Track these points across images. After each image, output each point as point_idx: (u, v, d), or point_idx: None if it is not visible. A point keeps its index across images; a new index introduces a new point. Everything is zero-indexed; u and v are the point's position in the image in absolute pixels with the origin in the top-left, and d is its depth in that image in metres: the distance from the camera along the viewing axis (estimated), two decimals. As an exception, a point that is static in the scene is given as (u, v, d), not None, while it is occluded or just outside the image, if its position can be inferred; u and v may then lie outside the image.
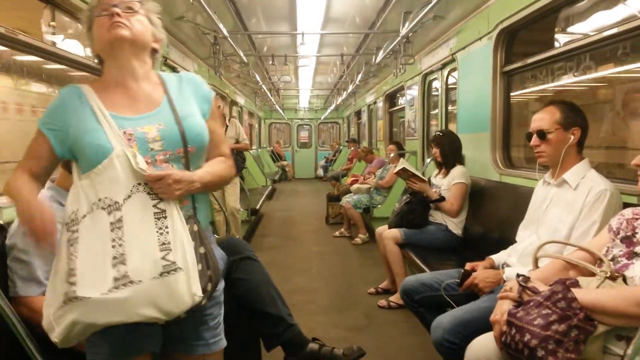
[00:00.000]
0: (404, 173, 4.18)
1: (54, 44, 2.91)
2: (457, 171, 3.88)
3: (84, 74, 3.36)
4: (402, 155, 6.49)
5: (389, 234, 4.03)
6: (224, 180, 1.66)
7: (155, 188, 1.40)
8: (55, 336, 1.37)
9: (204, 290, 1.43)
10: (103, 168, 1.39)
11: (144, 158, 1.42)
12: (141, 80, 1.55)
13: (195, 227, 1.48)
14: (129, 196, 1.39)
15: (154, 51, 1.61)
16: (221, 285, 1.65)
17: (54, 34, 2.97)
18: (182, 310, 1.38)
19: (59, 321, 1.35)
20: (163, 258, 1.35)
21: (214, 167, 1.59)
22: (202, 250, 1.47)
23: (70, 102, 1.50)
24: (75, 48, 3.18)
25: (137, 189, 1.39)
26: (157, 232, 1.38)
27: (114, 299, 1.30)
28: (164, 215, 1.41)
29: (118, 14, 1.46)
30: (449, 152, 3.99)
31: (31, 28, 2.74)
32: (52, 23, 2.91)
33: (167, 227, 1.40)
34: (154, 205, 1.40)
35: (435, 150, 4.08)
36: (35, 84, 4.17)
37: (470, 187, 3.87)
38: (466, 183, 3.82)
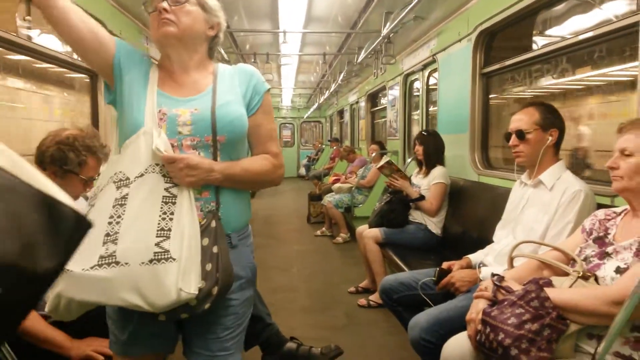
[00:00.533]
0: (387, 167, 4.19)
1: (29, 38, 2.86)
2: (437, 171, 3.91)
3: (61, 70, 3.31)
4: (383, 155, 6.52)
5: (369, 233, 4.04)
6: (260, 178, 1.56)
7: (170, 171, 1.36)
8: (46, 307, 1.35)
9: (207, 293, 1.34)
10: (130, 142, 1.39)
11: (170, 141, 1.39)
12: (192, 70, 1.52)
13: (214, 224, 1.40)
14: (142, 175, 1.36)
15: (213, 37, 1.57)
16: (241, 294, 1.54)
17: (29, 28, 2.91)
18: (165, 303, 1.29)
19: (51, 291, 1.31)
20: (157, 244, 1.29)
21: (249, 163, 1.52)
22: (215, 249, 1.38)
23: (142, 59, 1.54)
24: (52, 43, 3.13)
25: (154, 169, 1.37)
26: (160, 216, 1.33)
27: (94, 277, 1.26)
28: (173, 200, 1.35)
29: (165, 9, 1.42)
30: (432, 151, 4.01)
31: (7, 22, 2.69)
32: (28, 17, 2.85)
33: (172, 214, 1.34)
34: (166, 189, 1.36)
35: (418, 148, 4.08)
36: None
37: (449, 187, 3.90)
38: (446, 183, 3.86)
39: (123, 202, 1.32)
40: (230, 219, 1.49)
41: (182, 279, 1.29)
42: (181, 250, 1.31)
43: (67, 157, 1.92)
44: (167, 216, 1.33)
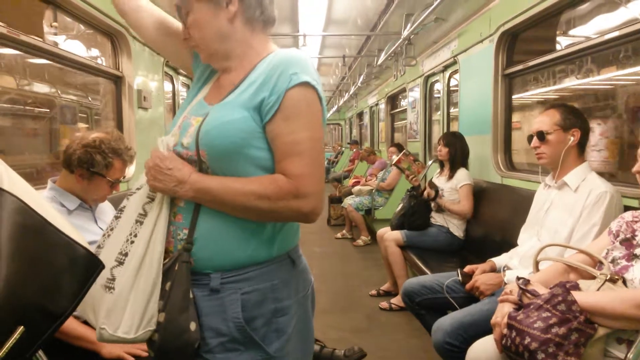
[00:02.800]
0: (404, 160, 4.17)
1: (55, 44, 2.92)
2: (461, 174, 3.87)
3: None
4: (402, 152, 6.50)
5: (390, 235, 4.03)
6: (257, 205, 1.14)
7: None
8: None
9: (150, 341, 1.17)
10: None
11: (174, 151, 1.22)
12: (235, 68, 1.27)
13: (177, 266, 1.15)
14: (141, 187, 1.24)
15: (243, 12, 1.23)
16: (225, 357, 1.17)
17: (56, 34, 2.98)
18: (96, 336, 1.17)
19: None
20: (111, 269, 1.16)
21: (241, 181, 1.15)
22: (172, 294, 1.14)
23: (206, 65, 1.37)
24: (77, 49, 3.20)
25: (147, 180, 1.22)
26: (126, 237, 1.18)
27: None
28: (142, 220, 1.19)
29: (185, 38, 1.28)
30: (459, 154, 3.96)
31: (33, 28, 2.75)
32: (54, 24, 2.91)
33: (135, 236, 1.17)
34: (143, 205, 1.20)
35: (443, 149, 4.01)
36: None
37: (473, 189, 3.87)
38: (472, 184, 3.83)
39: (119, 215, 1.24)
40: (212, 253, 1.17)
41: (109, 316, 1.14)
42: (124, 282, 1.15)
43: (94, 160, 1.96)
44: (131, 238, 1.17)
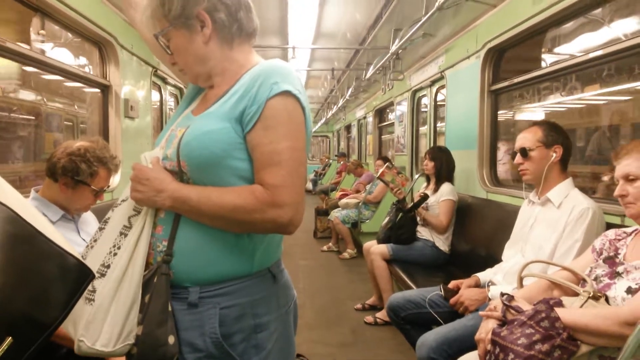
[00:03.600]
0: (388, 172, 4.19)
1: (42, 52, 2.90)
2: (445, 188, 3.90)
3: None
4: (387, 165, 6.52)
5: (376, 249, 4.03)
6: (233, 216, 1.12)
7: None
8: None
9: (129, 354, 1.15)
10: None
11: (161, 163, 1.22)
12: (219, 85, 1.27)
13: (155, 278, 1.15)
14: (127, 198, 1.23)
15: (217, 33, 1.23)
16: None
17: (43, 42, 2.96)
18: (75, 348, 1.15)
19: None
20: (92, 281, 1.15)
21: (219, 191, 1.13)
22: (151, 307, 1.13)
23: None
24: (65, 57, 3.18)
25: None
26: (109, 249, 1.18)
27: None
28: (126, 232, 1.18)
29: (173, 63, 1.30)
30: (445, 168, 4.01)
31: (19, 35, 2.73)
32: (42, 31, 2.90)
33: (118, 248, 1.17)
34: (129, 217, 1.20)
35: (429, 163, 4.07)
36: None
37: (457, 204, 3.89)
38: (454, 200, 3.85)
39: (102, 227, 1.23)
40: (191, 267, 1.16)
41: (88, 328, 1.12)
42: (104, 294, 1.13)
43: (79, 168, 1.94)
44: (114, 250, 1.17)
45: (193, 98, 1.38)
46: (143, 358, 1.12)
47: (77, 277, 1.12)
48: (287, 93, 1.14)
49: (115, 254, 1.16)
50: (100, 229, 1.23)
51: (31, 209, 1.11)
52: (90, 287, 1.14)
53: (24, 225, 1.05)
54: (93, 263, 1.17)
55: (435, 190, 3.98)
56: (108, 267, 1.15)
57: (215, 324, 1.14)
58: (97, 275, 1.15)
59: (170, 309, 1.14)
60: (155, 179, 1.16)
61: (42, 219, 1.12)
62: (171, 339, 1.11)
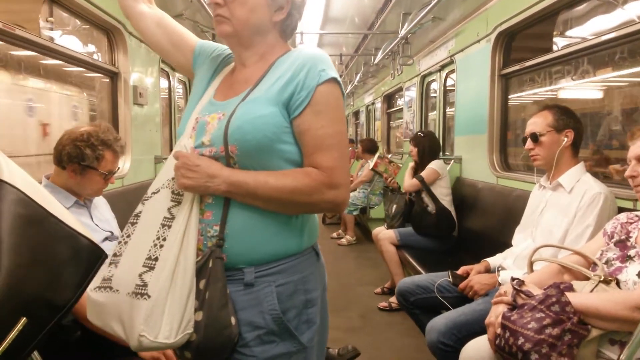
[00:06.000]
0: (381, 163, 4.22)
1: (51, 39, 2.90)
2: (431, 165, 3.99)
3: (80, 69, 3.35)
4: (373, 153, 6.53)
5: (384, 234, 4.04)
6: (293, 198, 1.17)
7: (174, 172, 1.18)
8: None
9: (187, 344, 1.13)
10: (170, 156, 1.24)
11: (196, 151, 1.21)
12: (251, 65, 1.29)
13: (211, 262, 1.15)
14: (158, 190, 1.22)
15: (285, 19, 1.29)
16: (262, 350, 1.18)
17: (51, 29, 2.96)
18: (134, 345, 1.12)
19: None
20: (140, 275, 1.13)
21: (276, 175, 1.16)
22: (207, 294, 1.14)
23: (214, 59, 1.40)
24: (73, 44, 3.18)
25: (168, 183, 1.21)
26: (153, 241, 1.15)
27: (93, 299, 1.19)
28: (169, 223, 1.16)
29: (217, 3, 1.24)
30: (427, 151, 4.09)
31: (29, 23, 2.73)
32: (50, 18, 2.90)
33: (164, 240, 1.15)
34: (168, 209, 1.18)
35: (413, 149, 4.18)
36: None
37: (449, 180, 4.01)
38: (437, 170, 3.93)
39: (135, 221, 1.22)
40: (245, 248, 1.18)
41: (148, 323, 1.10)
42: (159, 287, 1.11)
43: (84, 154, 1.94)
44: (159, 242, 1.15)
45: (209, 83, 1.37)
46: (208, 343, 1.13)
47: (89, 258, 1.14)
48: (333, 80, 1.20)
49: (161, 246, 1.14)
50: (132, 223, 1.22)
51: (42, 191, 1.11)
52: (139, 282, 1.12)
53: (35, 207, 1.06)
54: (134, 258, 1.16)
55: (421, 172, 4.05)
56: (156, 259, 1.13)
57: (274, 300, 1.19)
58: (144, 269, 1.13)
59: (227, 291, 1.16)
60: (206, 165, 1.16)
61: (53, 201, 1.12)
62: (233, 320, 1.15)
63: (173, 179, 1.19)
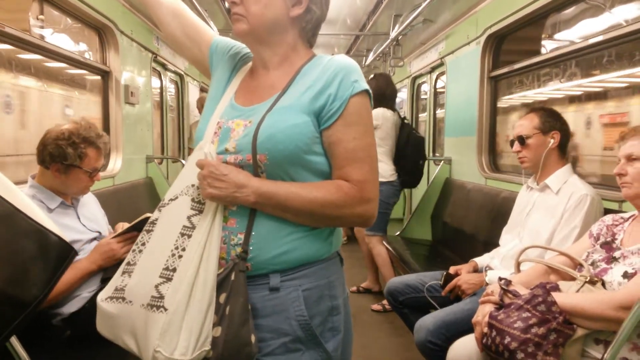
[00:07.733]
0: None
1: (42, 37, 2.89)
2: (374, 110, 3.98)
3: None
4: None
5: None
6: (323, 211, 1.13)
7: (198, 181, 1.13)
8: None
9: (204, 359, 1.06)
10: (190, 159, 1.19)
11: (219, 157, 1.15)
12: (274, 67, 1.24)
13: (233, 276, 1.09)
14: (176, 197, 1.16)
15: (305, 15, 1.22)
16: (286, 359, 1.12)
17: (42, 27, 2.95)
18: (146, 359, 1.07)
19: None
20: (156, 287, 1.07)
21: (307, 187, 1.13)
22: (228, 309, 1.07)
23: (231, 58, 1.34)
24: (65, 42, 3.17)
25: (188, 190, 1.15)
26: (171, 251, 1.10)
27: (104, 310, 1.14)
28: (189, 232, 1.11)
29: (233, 2, 1.19)
30: (375, 97, 4.06)
31: (20, 21, 2.72)
32: (41, 16, 2.88)
33: (183, 250, 1.09)
34: (188, 217, 1.13)
35: None
36: None
37: (388, 135, 4.01)
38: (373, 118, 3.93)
39: (151, 229, 1.16)
40: (272, 255, 1.13)
41: (164, 338, 1.04)
42: (177, 299, 1.05)
43: (66, 152, 1.90)
44: (178, 252, 1.09)
45: (227, 83, 1.31)
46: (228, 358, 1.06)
47: (58, 255, 1.11)
48: (365, 92, 1.17)
49: (180, 257, 1.08)
50: (148, 231, 1.17)
51: (11, 187, 1.09)
52: (155, 294, 1.06)
53: (1, 203, 1.04)
54: (150, 267, 1.11)
55: None
56: (174, 270, 1.07)
57: (302, 305, 1.14)
58: (161, 280, 1.08)
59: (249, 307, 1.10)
60: (234, 174, 1.10)
61: (22, 196, 1.10)
62: (253, 338, 1.08)
63: (193, 185, 1.15)
